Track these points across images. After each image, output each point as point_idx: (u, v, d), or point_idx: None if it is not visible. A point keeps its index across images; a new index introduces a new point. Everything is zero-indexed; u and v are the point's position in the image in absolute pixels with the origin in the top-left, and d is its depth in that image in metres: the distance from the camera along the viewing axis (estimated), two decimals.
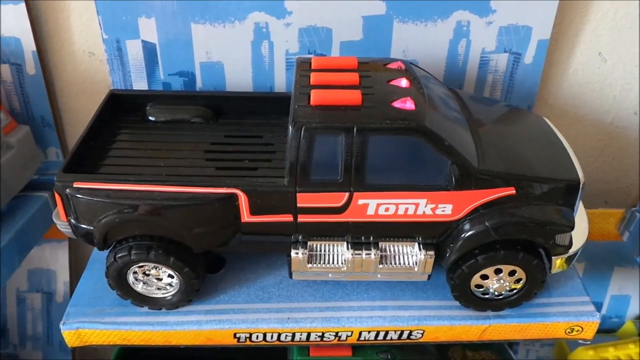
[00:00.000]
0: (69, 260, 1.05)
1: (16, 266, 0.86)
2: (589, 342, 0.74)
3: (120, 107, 0.82)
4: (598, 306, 1.08)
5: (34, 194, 0.93)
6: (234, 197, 0.64)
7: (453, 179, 0.62)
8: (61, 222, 0.68)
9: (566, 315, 0.73)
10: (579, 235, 0.69)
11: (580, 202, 0.70)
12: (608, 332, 1.09)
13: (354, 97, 0.63)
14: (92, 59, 0.92)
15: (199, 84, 0.90)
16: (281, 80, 0.90)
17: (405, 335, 0.73)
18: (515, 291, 0.71)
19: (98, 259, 0.81)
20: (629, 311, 1.08)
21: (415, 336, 0.73)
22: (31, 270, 1.05)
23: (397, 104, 0.63)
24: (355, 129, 0.60)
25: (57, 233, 1.02)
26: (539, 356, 1.14)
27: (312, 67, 0.70)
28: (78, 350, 1.09)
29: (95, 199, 0.64)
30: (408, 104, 0.63)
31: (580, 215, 0.71)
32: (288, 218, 0.65)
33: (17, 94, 0.93)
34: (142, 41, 0.86)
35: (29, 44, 0.89)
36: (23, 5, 0.85)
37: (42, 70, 0.91)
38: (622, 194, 0.97)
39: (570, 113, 0.95)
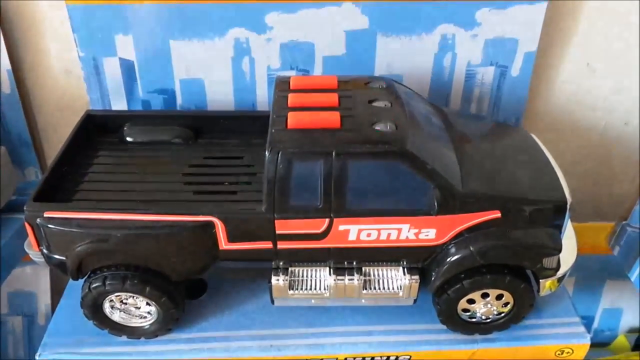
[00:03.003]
0: (50, 282, 1.02)
1: None
2: None
3: (97, 128, 0.80)
4: (590, 320, 1.07)
5: (13, 215, 0.91)
6: (210, 224, 0.62)
7: (436, 203, 0.60)
8: (33, 252, 0.66)
9: (556, 338, 0.71)
10: (567, 257, 0.67)
11: (569, 221, 0.68)
12: (601, 345, 1.07)
13: (332, 119, 0.61)
14: (70, 77, 0.90)
15: (179, 101, 0.88)
16: (263, 97, 0.88)
17: None
18: (503, 315, 0.69)
19: (75, 286, 0.78)
20: (621, 324, 1.07)
21: None
22: (11, 292, 1.03)
23: (378, 126, 0.61)
24: (334, 154, 0.58)
25: None
26: None
27: (291, 88, 0.68)
28: None
29: (67, 228, 0.62)
30: (389, 127, 0.61)
31: (569, 236, 0.69)
32: (267, 245, 0.63)
33: None
34: (120, 59, 0.84)
35: (3, 63, 0.86)
36: None
37: (18, 88, 0.89)
38: (613, 205, 0.96)
39: (560, 124, 0.94)
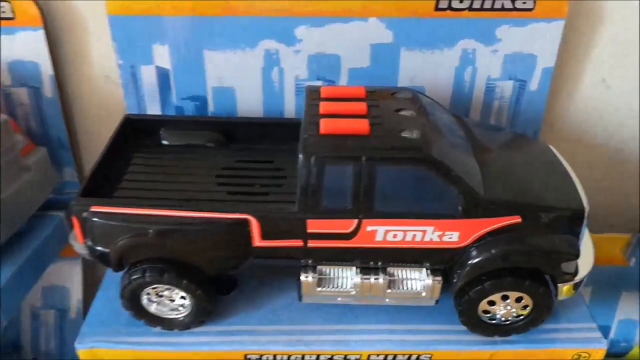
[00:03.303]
0: (83, 278, 1.07)
1: (33, 284, 0.88)
2: None
3: (135, 131, 0.84)
4: (606, 330, 1.08)
5: (50, 213, 0.95)
6: (245, 222, 0.66)
7: (459, 207, 0.63)
8: (78, 244, 0.70)
9: (573, 342, 0.74)
10: (585, 263, 0.70)
11: (586, 229, 0.71)
12: (617, 356, 1.09)
13: (362, 126, 0.65)
14: (108, 83, 0.95)
15: (210, 108, 0.92)
16: (291, 106, 0.92)
17: None
18: (522, 317, 0.72)
19: (112, 279, 0.82)
20: (637, 336, 1.09)
21: None
22: (46, 287, 1.07)
23: (404, 134, 0.65)
24: (363, 159, 0.62)
25: (72, 251, 1.04)
26: None
27: (321, 96, 0.72)
28: None
29: (112, 222, 0.66)
30: (415, 134, 0.65)
31: (586, 243, 0.72)
32: (298, 243, 0.67)
33: (34, 116, 0.96)
34: (156, 67, 0.89)
35: (46, 68, 0.91)
36: (41, 31, 0.88)
37: (60, 93, 0.94)
38: (628, 218, 0.98)
39: (575, 138, 0.97)
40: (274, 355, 0.74)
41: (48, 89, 0.93)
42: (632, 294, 1.04)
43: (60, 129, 0.97)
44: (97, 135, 1.00)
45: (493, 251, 0.65)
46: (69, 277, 1.07)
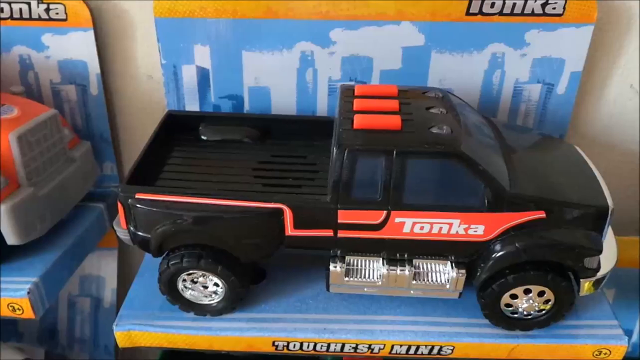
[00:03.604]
0: (118, 269, 1.12)
1: (73, 271, 0.92)
2: None
3: (176, 127, 0.89)
4: (628, 333, 1.08)
5: (91, 204, 1.00)
6: (280, 211, 0.69)
7: (486, 201, 0.66)
8: (121, 230, 0.75)
9: (594, 338, 0.75)
10: (608, 260, 0.71)
11: (610, 228, 0.73)
12: None
13: (394, 122, 0.68)
14: (150, 82, 1.00)
15: (246, 107, 0.97)
16: (323, 105, 0.96)
17: (435, 351, 0.76)
18: (544, 312, 0.73)
19: (148, 267, 0.87)
20: None
21: (446, 352, 0.76)
22: (83, 276, 1.12)
23: (434, 130, 0.68)
24: (395, 152, 0.65)
25: (108, 242, 1.10)
26: None
27: (355, 94, 0.75)
28: (121, 353, 1.15)
29: (154, 209, 0.70)
30: (445, 130, 0.68)
31: (609, 241, 0.74)
32: (329, 233, 0.70)
33: (80, 112, 1.02)
34: (197, 66, 0.94)
35: (94, 67, 0.97)
36: (92, 32, 0.94)
37: (104, 91, 0.99)
38: None
39: (602, 142, 0.98)
40: (301, 343, 0.77)
41: (94, 87, 0.99)
42: None
43: (104, 124, 1.03)
44: (137, 131, 1.05)
45: (517, 245, 0.67)
46: (105, 267, 1.12)
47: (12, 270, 0.82)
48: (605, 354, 0.75)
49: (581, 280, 0.70)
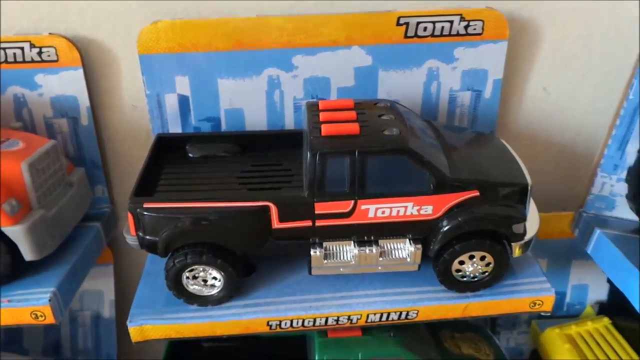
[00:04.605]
0: (115, 282, 1.22)
1: (81, 282, 1.01)
2: (549, 314, 0.92)
3: (164, 147, 1.02)
4: (562, 295, 1.27)
5: (88, 223, 1.11)
6: (266, 208, 0.83)
7: (431, 185, 0.82)
8: (130, 237, 0.87)
9: (529, 292, 0.91)
10: (532, 227, 0.89)
11: (532, 201, 0.91)
12: (572, 317, 1.27)
13: (353, 128, 0.83)
14: (135, 111, 1.12)
15: (223, 126, 1.10)
16: (290, 120, 1.10)
17: (403, 316, 0.91)
18: (486, 274, 0.90)
19: (149, 272, 0.98)
20: (588, 297, 1.28)
21: (412, 316, 0.91)
22: (82, 291, 1.22)
23: (386, 132, 0.84)
24: (357, 152, 0.81)
25: (105, 258, 1.20)
26: (518, 342, 1.32)
27: (320, 108, 0.90)
28: (123, 356, 1.25)
29: (161, 215, 0.83)
30: (395, 132, 0.84)
31: (532, 211, 0.91)
32: (308, 223, 0.84)
33: (72, 141, 1.12)
34: (178, 94, 1.07)
35: (84, 101, 1.07)
36: (81, 70, 1.05)
37: (94, 121, 1.10)
38: (576, 200, 1.18)
39: (526, 136, 1.17)
40: (291, 320, 0.90)
41: (85, 118, 1.09)
42: (581, 262, 1.23)
43: (94, 151, 1.12)
44: (125, 156, 1.16)
45: (459, 219, 0.83)
46: (102, 281, 1.22)
47: (30, 283, 0.92)
48: (538, 304, 0.92)
49: (512, 244, 0.87)
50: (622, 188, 1.06)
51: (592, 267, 1.12)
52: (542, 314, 0.93)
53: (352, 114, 0.88)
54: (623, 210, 1.08)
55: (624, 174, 1.06)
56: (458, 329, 1.12)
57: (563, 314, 1.27)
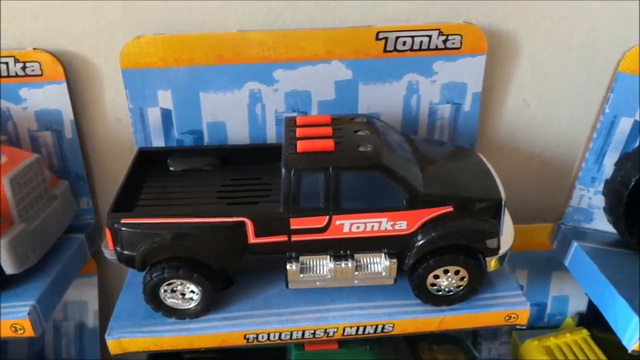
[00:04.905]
0: (99, 292, 1.23)
1: (62, 294, 1.02)
2: (524, 327, 0.93)
3: (146, 161, 1.03)
4: (543, 306, 1.28)
5: (72, 235, 1.12)
6: (242, 223, 0.84)
7: (405, 201, 0.83)
8: (108, 251, 0.88)
9: (505, 305, 0.92)
10: (506, 241, 0.90)
11: (507, 215, 0.92)
12: (553, 327, 1.28)
13: (328, 144, 0.84)
14: (119, 124, 1.13)
15: (206, 139, 1.11)
16: (272, 134, 1.11)
17: (379, 329, 0.92)
18: (461, 287, 0.91)
19: (130, 284, 1.00)
20: (569, 308, 1.28)
21: (388, 329, 0.92)
22: (65, 302, 1.23)
23: (361, 148, 0.85)
24: (331, 168, 0.82)
25: (89, 269, 1.21)
26: (500, 353, 1.33)
27: (297, 124, 0.92)
28: None
29: (138, 230, 0.84)
30: (369, 148, 0.85)
31: (507, 225, 0.92)
32: (284, 238, 0.85)
33: (56, 154, 1.13)
34: (161, 108, 1.08)
35: (68, 114, 1.09)
36: (65, 84, 1.07)
37: (78, 134, 1.12)
38: (553, 210, 1.19)
39: (506, 148, 1.18)
40: (268, 334, 0.91)
41: (68, 132, 1.11)
42: (562, 273, 1.24)
43: (79, 164, 1.14)
44: (108, 168, 1.18)
45: (433, 234, 0.84)
46: (86, 292, 1.23)
47: (11, 296, 0.93)
48: (514, 317, 0.93)
49: (487, 258, 0.88)
50: (600, 201, 1.07)
51: (572, 278, 1.13)
52: (518, 327, 0.94)
53: (329, 130, 0.89)
54: (601, 223, 1.09)
55: (601, 187, 1.07)
56: (436, 341, 1.13)
57: (544, 325, 1.28)
